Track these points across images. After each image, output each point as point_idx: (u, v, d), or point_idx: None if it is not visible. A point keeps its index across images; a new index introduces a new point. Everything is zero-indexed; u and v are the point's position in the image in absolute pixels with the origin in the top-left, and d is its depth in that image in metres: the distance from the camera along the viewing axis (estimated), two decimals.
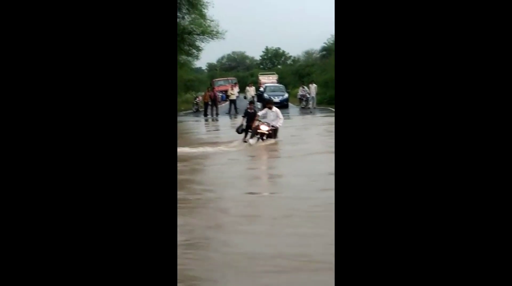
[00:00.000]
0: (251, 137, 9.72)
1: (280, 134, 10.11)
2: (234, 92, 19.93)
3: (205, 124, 16.98)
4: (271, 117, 10.08)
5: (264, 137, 9.72)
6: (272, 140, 9.77)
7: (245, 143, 9.63)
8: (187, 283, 2.81)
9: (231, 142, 9.89)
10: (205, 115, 19.03)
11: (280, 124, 10.05)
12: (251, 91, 21.91)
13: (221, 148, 9.29)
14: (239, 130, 10.10)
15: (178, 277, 1.52)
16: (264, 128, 9.76)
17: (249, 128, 9.94)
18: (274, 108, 10.25)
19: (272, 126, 9.93)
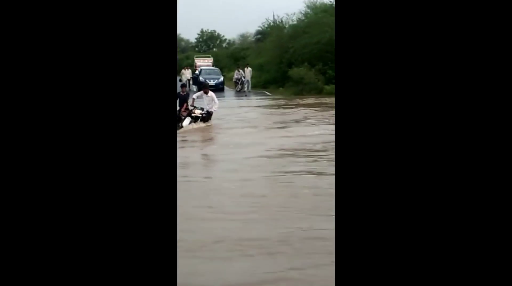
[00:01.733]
0: (184, 120, 9.75)
1: (214, 116, 10.22)
2: None
3: None
4: (206, 101, 10.16)
5: (198, 121, 9.79)
6: (203, 124, 9.85)
7: (178, 127, 9.61)
8: None
9: None
10: None
11: (215, 109, 10.14)
12: (186, 74, 21.72)
13: None
14: None
15: None
16: (197, 112, 9.83)
17: (183, 111, 9.97)
18: (210, 93, 10.33)
19: (207, 110, 10.01)
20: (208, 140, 8.99)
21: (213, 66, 27.28)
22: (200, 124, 9.80)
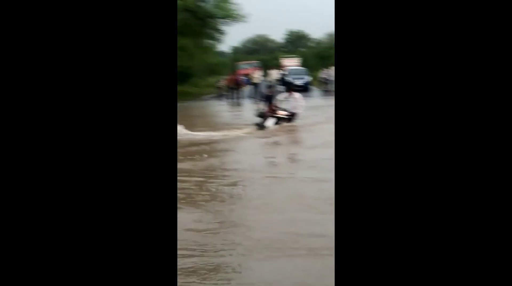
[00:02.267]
0: (267, 120, 9.89)
1: (300, 116, 10.24)
2: (257, 75, 20.01)
3: (229, 108, 17.19)
4: (291, 102, 10.23)
5: (282, 122, 9.87)
6: (287, 124, 9.93)
7: (261, 127, 9.78)
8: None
9: (248, 126, 10.08)
10: (229, 99, 19.23)
11: (300, 110, 10.14)
12: (274, 74, 21.97)
13: (235, 132, 9.50)
14: (258, 114, 10.28)
15: None
16: (281, 113, 9.93)
17: (268, 111, 10.12)
18: (295, 94, 10.37)
19: (291, 111, 10.06)
20: (293, 140, 9.08)
21: (300, 66, 27.34)
22: (283, 124, 9.89)
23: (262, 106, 10.37)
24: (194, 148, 7.82)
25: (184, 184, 5.27)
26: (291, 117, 10.06)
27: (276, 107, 10.14)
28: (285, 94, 10.71)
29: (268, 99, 10.38)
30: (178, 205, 4.32)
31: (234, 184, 5.43)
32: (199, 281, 2.94)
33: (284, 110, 10.08)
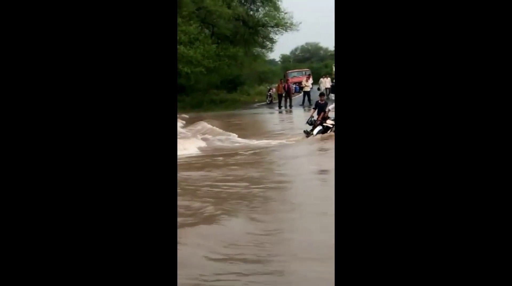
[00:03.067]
0: (315, 128, 9.81)
1: None
2: (308, 83, 19.88)
3: (279, 116, 17.17)
4: None
5: (329, 131, 9.76)
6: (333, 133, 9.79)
7: (308, 135, 9.73)
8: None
9: (297, 134, 10.02)
10: (279, 107, 19.22)
11: None
12: (325, 82, 21.78)
13: (282, 141, 9.47)
14: (309, 122, 10.18)
15: None
16: (329, 122, 9.81)
17: (319, 120, 10.04)
18: None
19: None
20: None
21: None
22: (330, 134, 9.75)
23: (314, 114, 10.27)
24: (242, 156, 7.79)
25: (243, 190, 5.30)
26: None
27: (327, 116, 10.00)
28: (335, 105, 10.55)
29: (320, 107, 10.26)
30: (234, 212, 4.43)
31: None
32: None
33: (334, 120, 9.93)
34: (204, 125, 12.32)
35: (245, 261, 3.16)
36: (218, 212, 4.28)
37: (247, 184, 5.66)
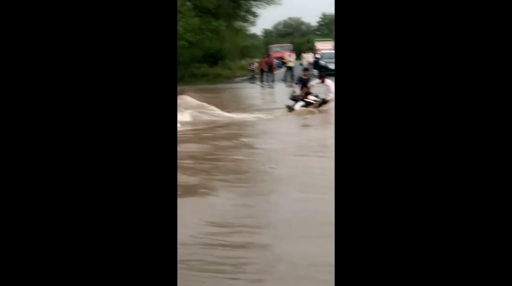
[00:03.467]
0: (297, 103, 9.86)
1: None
2: (292, 59, 19.75)
3: (261, 91, 17.12)
4: (323, 89, 10.08)
5: (310, 106, 9.80)
6: (316, 109, 9.83)
7: (290, 109, 9.77)
8: None
9: (279, 109, 10.05)
10: (261, 81, 19.15)
11: (330, 98, 9.87)
12: (307, 57, 21.70)
13: (264, 115, 9.48)
14: (292, 97, 10.19)
15: None
16: (311, 98, 9.84)
17: (301, 95, 10.06)
18: (328, 81, 10.19)
19: (322, 98, 9.93)
20: (322, 123, 8.93)
21: (334, 50, 26.93)
22: (312, 109, 9.79)
23: (297, 89, 10.27)
24: (224, 130, 7.79)
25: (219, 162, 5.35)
26: (321, 103, 9.91)
27: (309, 91, 10.02)
28: (318, 80, 10.55)
29: (302, 82, 10.27)
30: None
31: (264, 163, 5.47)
32: None
33: (316, 96, 9.96)
34: (185, 99, 12.25)
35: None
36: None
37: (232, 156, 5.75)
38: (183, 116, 8.92)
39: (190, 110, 9.89)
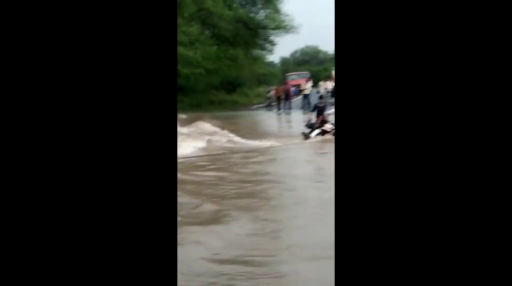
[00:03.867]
0: (313, 131, 9.86)
1: None
2: (308, 86, 19.86)
3: (277, 118, 17.18)
4: None
5: (327, 134, 9.77)
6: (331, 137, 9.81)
7: (306, 137, 9.76)
8: None
9: (295, 137, 10.05)
10: (278, 109, 19.23)
11: None
12: (325, 85, 21.71)
13: (279, 143, 9.48)
14: (308, 125, 10.21)
15: None
16: (327, 126, 9.83)
17: (317, 123, 10.06)
18: None
19: None
20: None
21: None
22: (328, 137, 9.77)
23: (313, 117, 10.29)
24: (242, 155, 7.80)
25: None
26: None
27: (325, 119, 10.03)
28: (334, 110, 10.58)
29: (318, 110, 10.29)
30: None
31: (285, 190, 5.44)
32: None
33: (332, 124, 9.96)
34: (202, 125, 12.33)
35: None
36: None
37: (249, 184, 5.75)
38: (198, 143, 8.99)
39: (206, 135, 9.96)
